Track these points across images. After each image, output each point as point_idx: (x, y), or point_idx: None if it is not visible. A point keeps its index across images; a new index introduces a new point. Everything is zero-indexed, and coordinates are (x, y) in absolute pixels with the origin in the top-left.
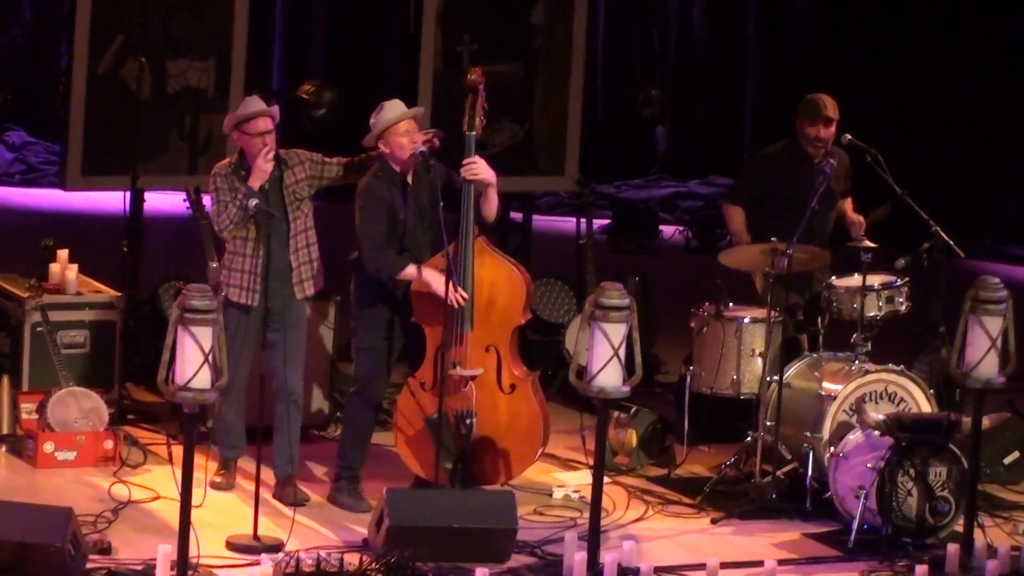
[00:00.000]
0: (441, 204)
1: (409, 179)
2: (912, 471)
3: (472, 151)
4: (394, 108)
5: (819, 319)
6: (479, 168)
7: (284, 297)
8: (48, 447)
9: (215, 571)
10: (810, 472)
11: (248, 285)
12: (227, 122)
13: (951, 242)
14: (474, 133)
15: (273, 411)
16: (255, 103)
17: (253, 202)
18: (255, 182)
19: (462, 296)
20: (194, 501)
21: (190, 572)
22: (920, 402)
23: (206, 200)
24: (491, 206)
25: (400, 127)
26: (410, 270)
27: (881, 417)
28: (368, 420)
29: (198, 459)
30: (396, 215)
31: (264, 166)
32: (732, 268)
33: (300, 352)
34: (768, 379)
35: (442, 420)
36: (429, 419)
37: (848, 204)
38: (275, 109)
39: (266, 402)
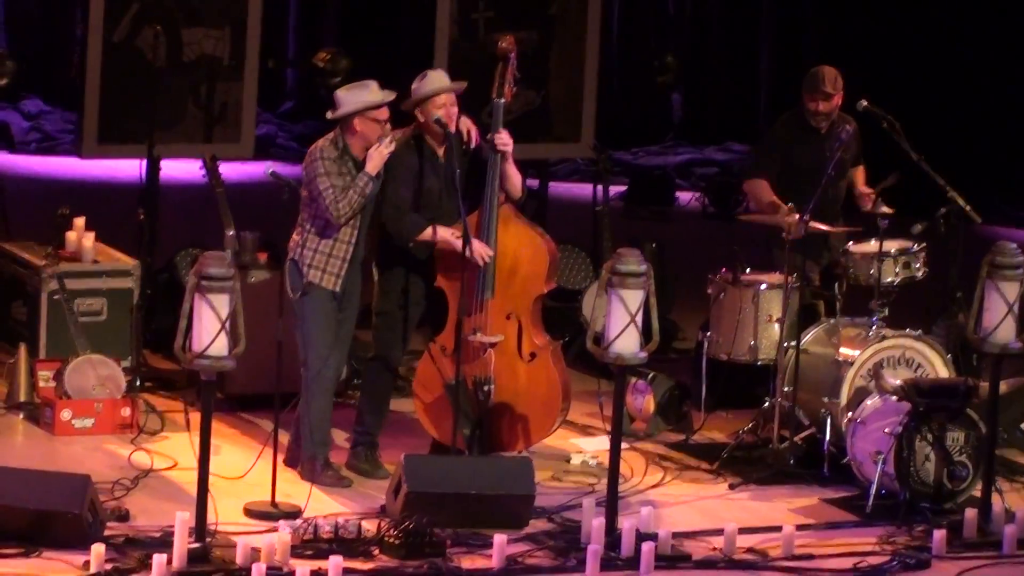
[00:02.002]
0: (458, 172)
1: (442, 151)
2: (930, 436)
3: (500, 117)
4: (434, 80)
5: (836, 285)
6: (509, 140)
7: (355, 281)
8: (65, 415)
9: (233, 538)
10: (828, 437)
11: (338, 271)
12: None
13: (967, 207)
14: (503, 100)
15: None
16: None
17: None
18: (373, 169)
19: (486, 252)
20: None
21: (208, 539)
22: (937, 367)
23: (222, 168)
24: (513, 183)
25: (438, 100)
26: (427, 231)
27: (898, 382)
28: (386, 386)
29: (215, 426)
30: (422, 183)
31: (385, 152)
32: (755, 223)
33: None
34: (785, 345)
35: (460, 386)
36: (448, 384)
37: (860, 174)
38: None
39: (284, 370)
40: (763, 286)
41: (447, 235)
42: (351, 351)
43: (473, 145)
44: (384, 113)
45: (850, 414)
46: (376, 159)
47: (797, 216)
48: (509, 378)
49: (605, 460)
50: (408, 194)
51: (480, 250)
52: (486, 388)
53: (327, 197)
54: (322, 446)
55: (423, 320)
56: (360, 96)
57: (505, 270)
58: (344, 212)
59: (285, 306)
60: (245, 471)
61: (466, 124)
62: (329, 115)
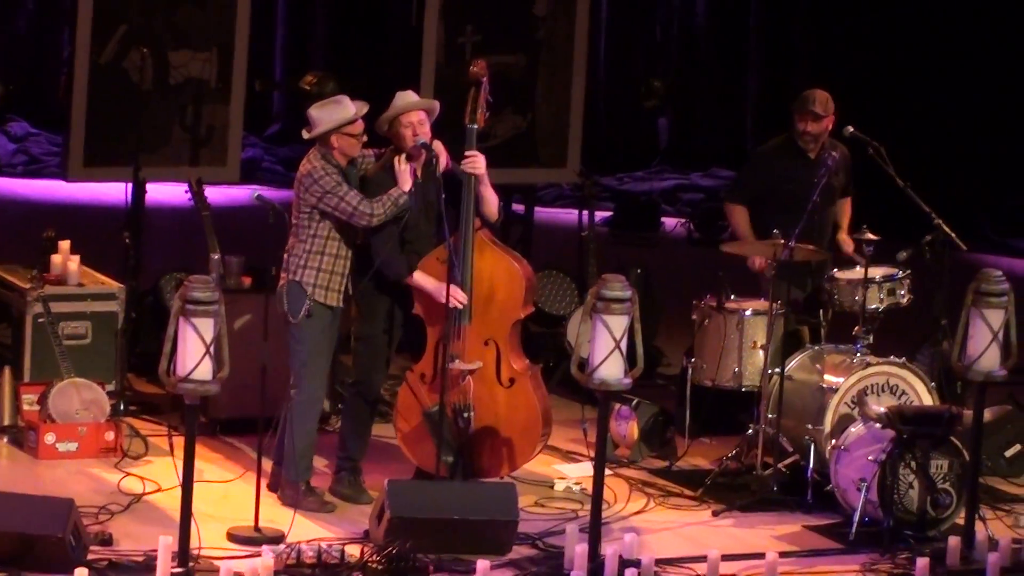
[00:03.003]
0: (444, 196)
1: (418, 171)
2: (913, 464)
3: (473, 144)
4: (402, 98)
5: (821, 312)
6: (480, 162)
7: (344, 295)
8: (49, 438)
9: (216, 562)
10: (811, 464)
11: (339, 287)
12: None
13: (953, 234)
14: (476, 126)
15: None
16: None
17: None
18: (405, 185)
19: (460, 299)
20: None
21: (191, 563)
22: (921, 395)
23: (208, 192)
24: (489, 205)
25: (404, 118)
26: (416, 278)
27: (883, 410)
28: (367, 411)
29: (199, 450)
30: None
31: (406, 167)
32: (735, 255)
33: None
34: (770, 371)
35: (442, 414)
36: (427, 412)
37: (846, 207)
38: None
39: (268, 393)
40: (748, 312)
41: (425, 281)
42: (337, 376)
43: (442, 169)
44: (359, 126)
45: (834, 441)
46: (405, 174)
47: (778, 244)
48: (489, 404)
49: (589, 486)
50: (392, 221)
51: (455, 295)
52: (466, 415)
53: (352, 202)
54: (306, 471)
55: (402, 346)
56: (334, 113)
57: (481, 297)
58: (379, 213)
59: (270, 330)
60: (227, 483)
61: (437, 148)
62: (305, 135)
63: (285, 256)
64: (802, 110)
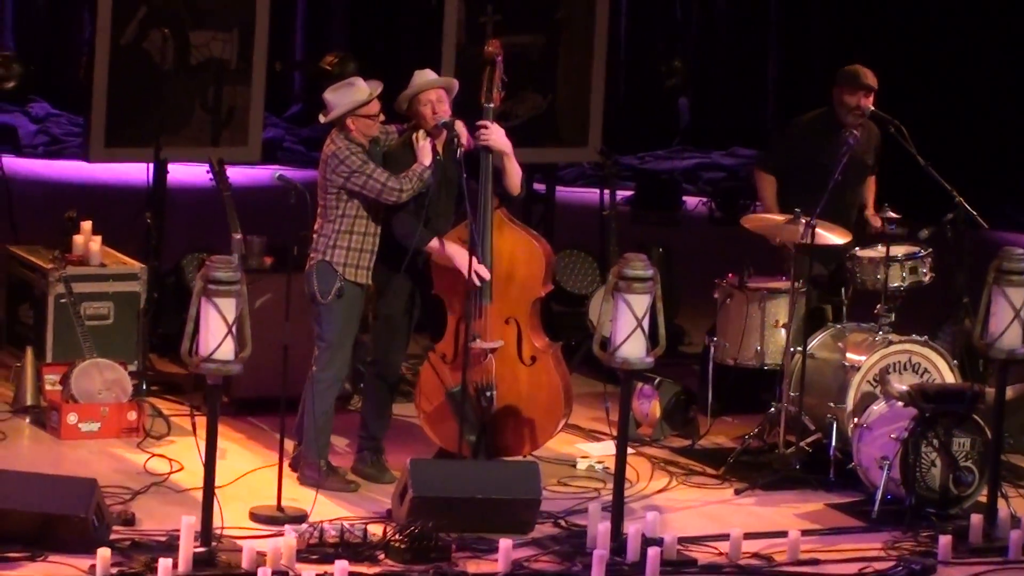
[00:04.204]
0: (465, 175)
1: (439, 148)
2: (936, 442)
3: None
4: (420, 76)
5: (843, 290)
6: (492, 134)
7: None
8: (72, 419)
9: (239, 542)
10: (834, 443)
11: (368, 264)
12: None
13: (974, 213)
14: (492, 105)
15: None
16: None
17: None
18: (427, 159)
19: (483, 275)
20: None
21: (214, 543)
22: (944, 373)
23: (229, 172)
24: (513, 178)
25: (423, 96)
26: (433, 243)
27: (905, 388)
28: (387, 390)
29: (222, 430)
30: None
31: (427, 144)
32: (754, 232)
33: None
34: (792, 350)
35: (465, 393)
36: (449, 392)
37: (871, 185)
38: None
39: (290, 373)
40: (769, 291)
41: (453, 251)
42: (359, 355)
43: (464, 148)
44: (375, 107)
45: (856, 419)
46: (426, 149)
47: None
48: (511, 383)
49: (611, 465)
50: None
51: (478, 270)
52: (488, 394)
53: (380, 179)
54: (325, 448)
55: (422, 325)
56: (348, 96)
57: (502, 275)
58: (407, 188)
59: (291, 309)
60: (241, 476)
61: (459, 127)
62: (322, 119)
63: (314, 236)
64: (855, 84)
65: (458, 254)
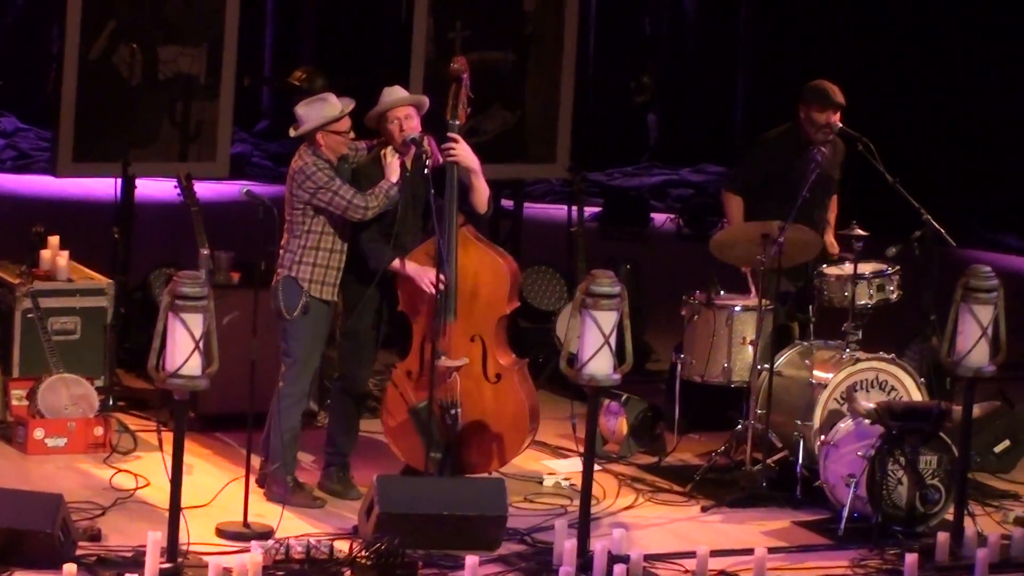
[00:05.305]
0: (432, 191)
1: (408, 164)
2: (902, 459)
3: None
4: (389, 94)
5: (810, 307)
6: (459, 150)
7: (337, 289)
8: (38, 434)
9: (205, 558)
10: (800, 460)
11: (334, 281)
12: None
13: (942, 230)
14: (457, 122)
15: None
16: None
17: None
18: (394, 176)
19: (436, 283)
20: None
21: (180, 559)
22: (911, 390)
23: (197, 187)
24: (480, 196)
25: (391, 114)
26: (395, 264)
27: (872, 405)
28: (353, 406)
29: (188, 446)
30: None
31: (395, 161)
32: (722, 260)
33: None
34: (759, 367)
35: (430, 411)
36: (413, 409)
37: (833, 205)
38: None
39: (257, 388)
40: (737, 308)
41: (412, 269)
42: (326, 372)
43: (432, 164)
44: (345, 123)
45: (823, 437)
46: (394, 166)
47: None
48: (476, 400)
49: (578, 482)
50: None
51: (429, 284)
52: (453, 412)
53: (346, 196)
54: (292, 464)
55: (387, 341)
56: (320, 111)
57: (466, 293)
58: (372, 206)
59: (259, 325)
60: (214, 495)
61: (427, 143)
62: (292, 133)
63: (280, 252)
64: (824, 101)
65: (416, 271)
